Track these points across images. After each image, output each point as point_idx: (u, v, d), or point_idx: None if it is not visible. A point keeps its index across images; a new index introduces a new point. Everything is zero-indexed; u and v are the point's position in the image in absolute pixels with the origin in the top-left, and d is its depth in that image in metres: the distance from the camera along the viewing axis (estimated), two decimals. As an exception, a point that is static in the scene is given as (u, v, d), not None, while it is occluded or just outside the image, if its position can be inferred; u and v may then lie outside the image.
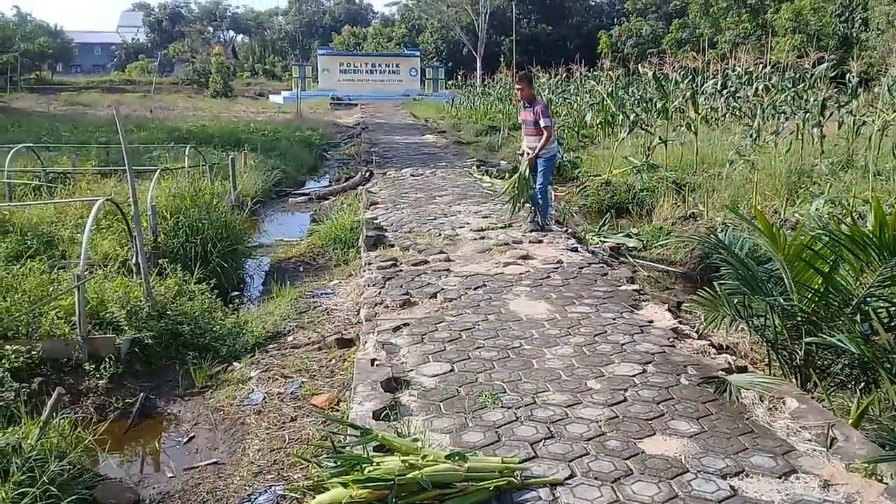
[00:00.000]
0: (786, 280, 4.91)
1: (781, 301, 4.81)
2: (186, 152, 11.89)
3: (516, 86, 10.00)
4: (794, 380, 4.92)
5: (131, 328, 5.84)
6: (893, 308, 4.73)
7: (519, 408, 4.48)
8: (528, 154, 9.30)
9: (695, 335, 5.84)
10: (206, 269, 7.75)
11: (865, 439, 3.97)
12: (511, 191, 9.67)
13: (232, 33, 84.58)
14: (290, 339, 6.49)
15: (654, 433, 4.11)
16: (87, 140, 16.82)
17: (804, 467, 3.74)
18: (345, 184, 14.62)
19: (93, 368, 5.40)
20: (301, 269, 9.29)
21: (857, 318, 4.70)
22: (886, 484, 3.56)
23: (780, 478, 3.64)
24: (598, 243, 9.53)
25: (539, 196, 9.29)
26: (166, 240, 8.10)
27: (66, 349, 5.51)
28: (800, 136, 13.18)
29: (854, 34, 33.96)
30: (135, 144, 15.45)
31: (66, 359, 5.50)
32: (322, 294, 7.88)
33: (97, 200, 6.90)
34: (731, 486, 3.55)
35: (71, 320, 5.65)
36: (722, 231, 6.02)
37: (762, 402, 4.48)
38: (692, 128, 13.58)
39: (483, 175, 14.34)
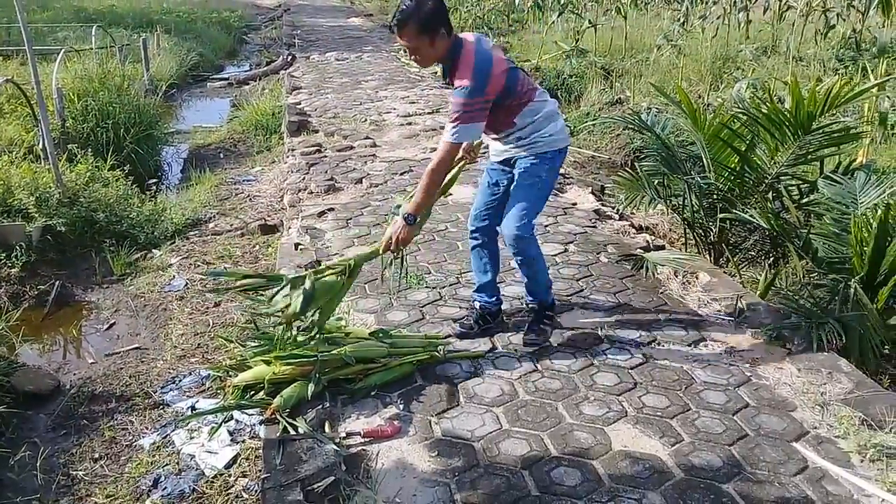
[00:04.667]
0: (704, 160, 5.00)
1: (699, 180, 4.91)
2: (94, 33, 11.13)
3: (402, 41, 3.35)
4: (707, 256, 5.11)
5: (41, 215, 5.59)
6: (804, 185, 4.90)
7: (443, 287, 4.53)
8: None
9: (616, 216, 5.95)
10: (119, 155, 7.43)
11: (771, 309, 4.17)
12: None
13: None
14: (211, 225, 6.34)
15: (573, 308, 4.22)
16: (-16, 20, 15.59)
17: (713, 335, 3.93)
18: (266, 68, 14.03)
19: (4, 257, 5.19)
20: (221, 155, 9.00)
21: (770, 195, 4.86)
22: (789, 349, 3.77)
23: (690, 345, 3.82)
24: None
25: (521, 260, 3.67)
26: (75, 125, 7.69)
27: (-27, 238, 5.26)
28: (726, 22, 13.19)
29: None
30: (38, 24, 14.40)
31: (-27, 248, 5.26)
32: (244, 181, 7.69)
33: (-5, 81, 6.45)
34: (643, 354, 3.70)
35: (-25, 208, 5.38)
36: (646, 114, 6.05)
37: (676, 277, 4.64)
38: (622, 12, 13.42)
39: (411, 60, 13.97)
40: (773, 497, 2.70)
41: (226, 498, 3.03)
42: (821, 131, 4.54)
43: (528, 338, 3.78)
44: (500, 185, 3.71)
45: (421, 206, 3.38)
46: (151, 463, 3.29)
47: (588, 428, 3.12)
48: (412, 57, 3.48)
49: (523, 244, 3.53)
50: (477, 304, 3.96)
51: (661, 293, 4.46)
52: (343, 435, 3.09)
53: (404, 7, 3.20)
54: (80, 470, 3.31)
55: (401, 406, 3.30)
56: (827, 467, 2.87)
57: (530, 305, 3.91)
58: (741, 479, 2.80)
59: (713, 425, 3.13)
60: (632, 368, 3.58)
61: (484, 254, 3.84)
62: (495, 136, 3.65)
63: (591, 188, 6.72)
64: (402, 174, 6.98)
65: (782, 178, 4.83)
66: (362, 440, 3.06)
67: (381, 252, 3.46)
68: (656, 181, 5.23)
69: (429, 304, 4.32)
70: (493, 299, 3.93)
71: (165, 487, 3.12)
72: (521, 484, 2.78)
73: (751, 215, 4.46)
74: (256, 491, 3.01)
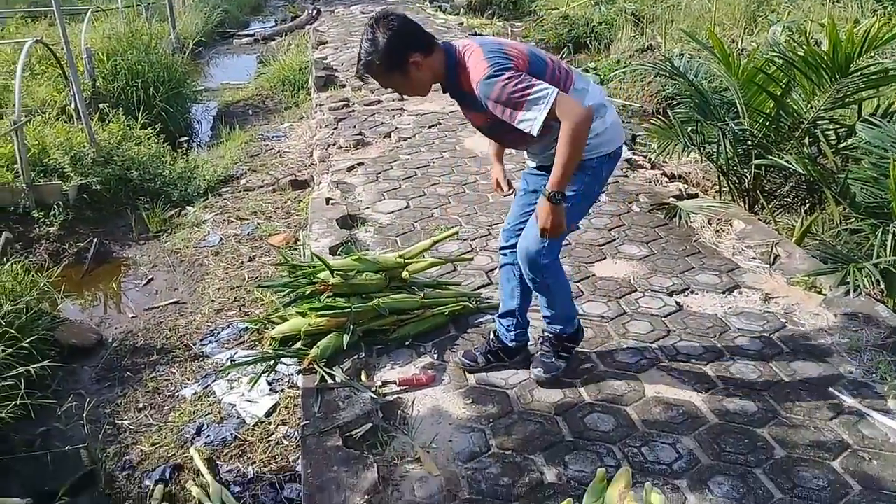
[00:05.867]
0: (738, 105, 4.91)
1: (733, 126, 4.83)
2: (120, -9, 11.13)
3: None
4: (742, 204, 5.04)
5: (77, 174, 5.68)
6: (841, 130, 4.79)
7: (474, 239, 4.53)
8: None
9: (648, 165, 5.89)
10: (150, 114, 7.50)
11: (807, 255, 4.13)
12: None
13: None
14: (242, 182, 6.40)
15: (605, 258, 4.21)
16: (12, -18, 15.64)
17: (747, 283, 3.90)
18: (291, 24, 13.97)
19: (42, 216, 5.29)
20: (250, 112, 9.04)
21: (806, 140, 4.77)
22: (825, 295, 3.73)
23: (723, 293, 3.80)
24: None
25: (536, 287, 2.97)
26: (105, 84, 7.76)
27: (12, 197, 5.37)
28: (761, -37, 12.79)
29: None
30: (63, -15, 14.40)
31: (13, 207, 5.37)
32: (273, 137, 7.72)
33: (26, 42, 6.49)
34: (676, 303, 3.69)
35: (13, 168, 5.47)
36: (678, 60, 5.92)
37: (710, 225, 4.59)
38: (652, -45, 13.06)
39: (437, 11, 13.80)
40: (808, 441, 2.70)
41: (267, 445, 3.12)
42: (859, 74, 4.41)
43: (535, 370, 3.11)
44: (538, 192, 2.79)
45: (565, 178, 2.51)
46: (194, 412, 3.38)
47: (621, 375, 3.13)
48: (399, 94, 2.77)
49: (538, 272, 2.84)
50: (492, 334, 3.27)
51: (695, 241, 4.42)
52: (379, 384, 3.13)
53: (362, 51, 2.62)
54: (126, 419, 3.42)
55: (435, 355, 3.33)
56: (863, 411, 2.86)
57: (545, 334, 3.17)
58: (776, 423, 2.81)
59: (748, 371, 3.13)
60: (665, 317, 3.57)
61: (513, 276, 3.11)
62: (529, 151, 2.94)
63: (622, 137, 6.64)
64: (430, 127, 6.96)
65: (819, 122, 4.72)
66: (398, 389, 3.11)
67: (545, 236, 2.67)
68: (689, 128, 5.15)
69: (460, 255, 4.33)
70: (513, 333, 3.18)
71: (208, 435, 3.21)
72: (555, 430, 2.81)
73: (787, 161, 4.38)
74: (296, 438, 3.08)
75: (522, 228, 2.94)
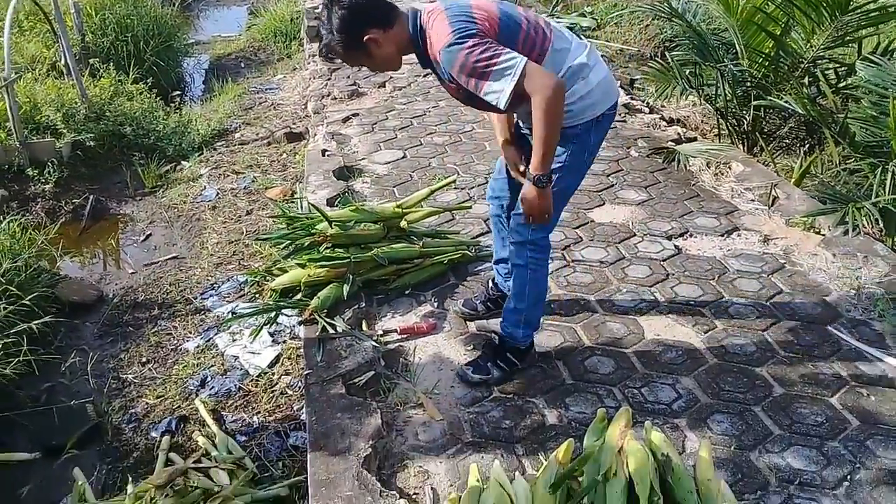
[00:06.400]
0: (737, 46, 4.85)
1: (732, 68, 4.77)
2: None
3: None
4: (740, 146, 5.01)
5: (70, 131, 5.62)
6: (841, 69, 4.73)
7: (472, 188, 4.51)
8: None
9: (646, 110, 5.83)
10: (141, 68, 7.41)
11: (806, 196, 4.12)
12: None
13: None
14: (237, 135, 6.34)
15: (604, 203, 4.20)
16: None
17: (746, 225, 3.90)
18: (282, -27, 13.68)
19: (36, 173, 5.26)
20: (242, 65, 8.92)
21: (806, 80, 4.72)
22: (823, 235, 3.73)
23: (722, 236, 3.80)
24: (550, 24, 9.20)
25: (516, 265, 2.76)
26: (94, 39, 7.64)
27: (6, 155, 5.32)
28: None
29: None
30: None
31: (7, 165, 5.33)
32: (267, 89, 7.63)
33: (11, -4, 6.36)
34: (675, 246, 3.70)
35: (6, 126, 5.41)
36: (676, 1, 5.82)
37: (709, 168, 4.57)
38: None
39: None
40: (806, 378, 2.73)
41: (271, 395, 3.15)
42: (858, 11, 4.34)
43: (464, 367, 2.87)
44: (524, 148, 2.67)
45: (547, 158, 2.33)
46: (197, 365, 3.41)
47: (620, 319, 3.15)
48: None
49: (523, 244, 2.67)
50: (491, 283, 3.27)
51: (694, 185, 4.40)
52: (380, 332, 3.15)
53: (321, 34, 2.48)
54: (130, 373, 3.45)
55: (435, 304, 3.35)
56: (861, 348, 2.88)
57: (492, 336, 3.01)
58: (774, 362, 2.83)
59: (746, 312, 3.15)
60: (664, 260, 3.58)
61: (503, 227, 3.03)
62: (517, 118, 2.76)
63: (619, 82, 6.57)
64: (425, 76, 6.86)
65: (819, 61, 4.67)
66: (399, 337, 3.13)
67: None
68: (688, 71, 5.10)
69: (458, 204, 4.31)
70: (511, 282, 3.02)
71: (213, 387, 3.24)
72: (555, 373, 2.84)
73: (786, 101, 4.34)
74: (299, 387, 3.11)
75: (512, 184, 2.85)
